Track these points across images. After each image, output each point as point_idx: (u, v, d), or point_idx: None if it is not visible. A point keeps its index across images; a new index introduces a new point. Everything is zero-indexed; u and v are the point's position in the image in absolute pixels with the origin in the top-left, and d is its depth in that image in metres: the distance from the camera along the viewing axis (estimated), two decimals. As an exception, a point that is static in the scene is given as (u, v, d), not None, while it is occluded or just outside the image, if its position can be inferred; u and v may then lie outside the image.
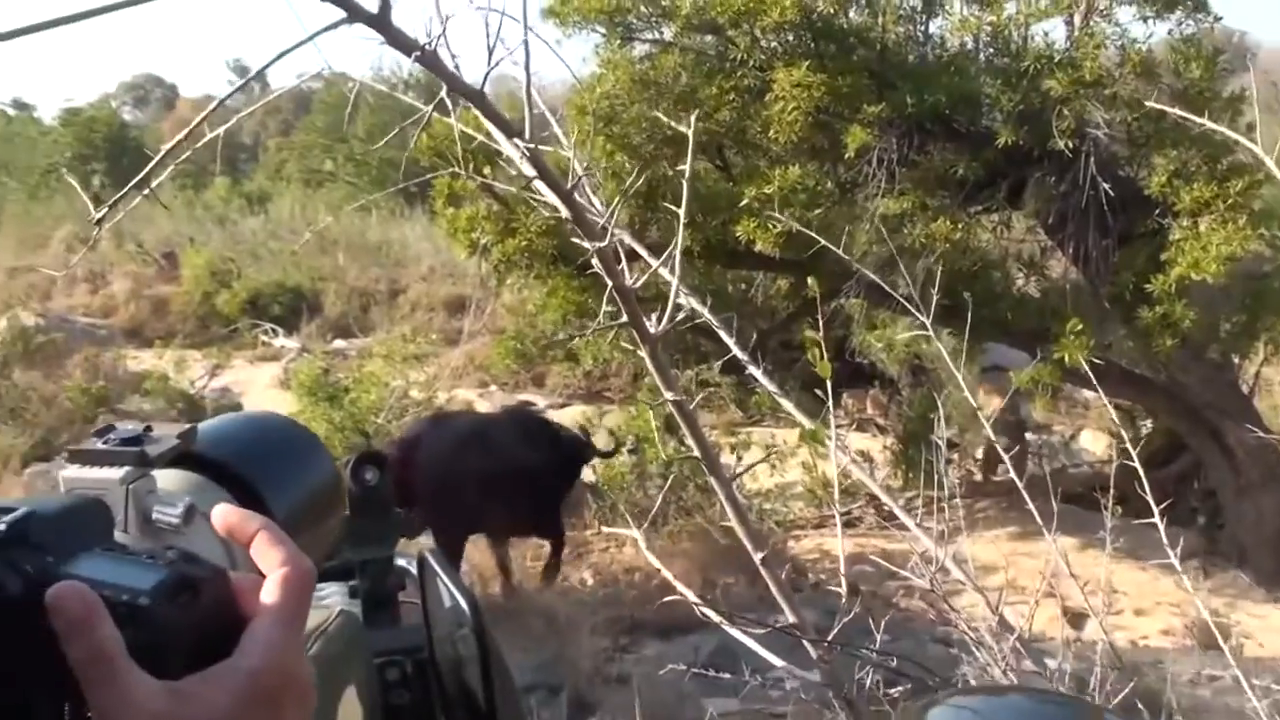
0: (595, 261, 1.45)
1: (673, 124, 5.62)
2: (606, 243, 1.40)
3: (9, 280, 19.41)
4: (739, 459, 8.41)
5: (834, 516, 8.23)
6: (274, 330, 16.91)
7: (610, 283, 1.45)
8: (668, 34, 7.47)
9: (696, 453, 1.71)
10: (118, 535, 0.71)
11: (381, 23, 0.81)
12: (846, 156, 6.88)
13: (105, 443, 0.75)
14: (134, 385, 12.08)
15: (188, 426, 0.79)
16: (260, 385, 14.06)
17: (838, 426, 8.55)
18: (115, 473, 0.73)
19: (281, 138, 36.67)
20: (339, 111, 25.40)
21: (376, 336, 15.50)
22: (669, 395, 1.61)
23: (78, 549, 0.65)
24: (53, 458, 8.79)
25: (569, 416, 10.63)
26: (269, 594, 0.65)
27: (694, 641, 5.99)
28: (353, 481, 1.19)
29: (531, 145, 1.29)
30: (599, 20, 7.38)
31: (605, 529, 7.86)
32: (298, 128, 33.82)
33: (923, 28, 7.42)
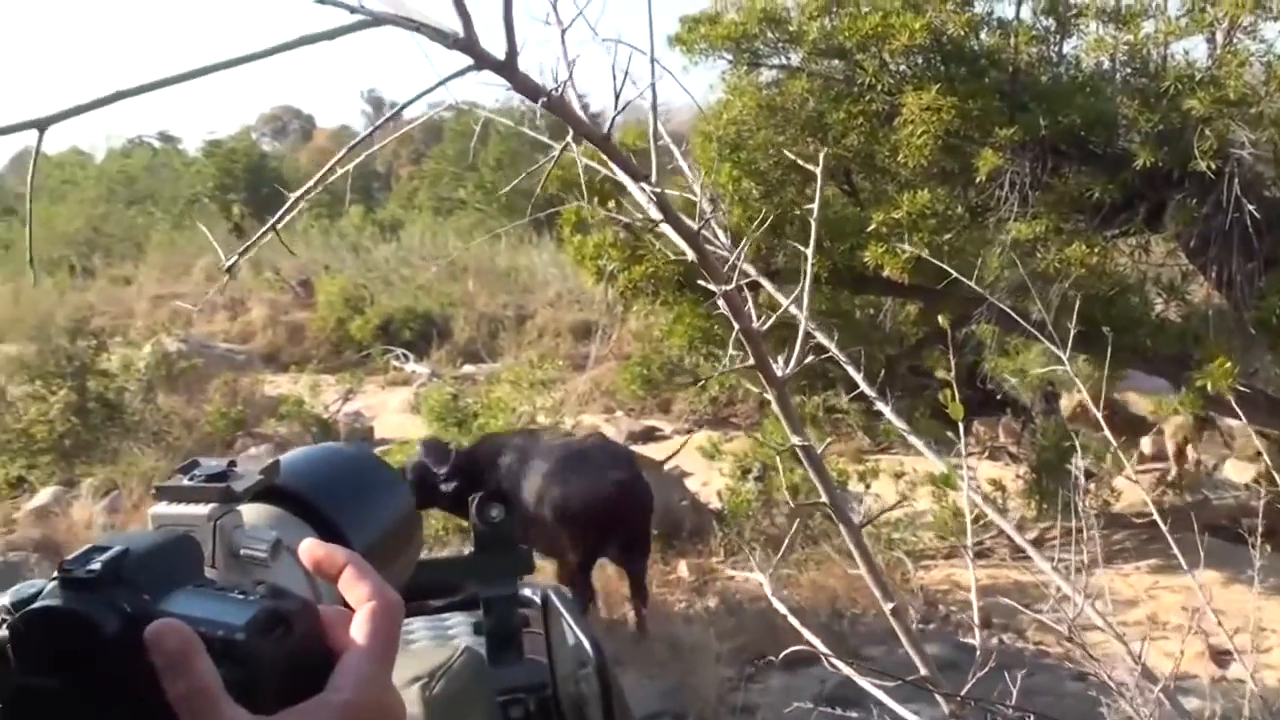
0: (721, 303, 1.42)
1: (800, 154, 5.59)
2: (733, 285, 1.38)
3: (154, 307, 20.12)
4: (867, 487, 8.30)
5: (965, 547, 8.09)
6: (405, 355, 17.21)
7: (736, 325, 1.43)
8: (795, 59, 7.42)
9: (824, 499, 1.67)
10: (206, 570, 0.72)
11: (508, 69, 0.80)
12: (977, 180, 6.75)
13: (191, 479, 0.77)
14: (270, 409, 12.38)
15: (270, 461, 0.81)
16: (391, 409, 14.31)
17: (968, 454, 8.40)
18: (202, 509, 0.74)
19: (413, 166, 37.42)
20: (469, 140, 25.81)
21: (504, 362, 15.68)
22: (796, 440, 1.58)
23: (171, 586, 0.66)
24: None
25: (694, 442, 10.62)
26: (359, 628, 0.66)
27: (819, 674, 5.91)
28: (478, 518, 1.19)
29: (659, 190, 1.27)
30: (725, 47, 7.37)
31: (733, 571, 7.81)
32: (429, 156, 34.47)
33: (1057, 48, 7.26)
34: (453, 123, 30.62)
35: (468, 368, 16.49)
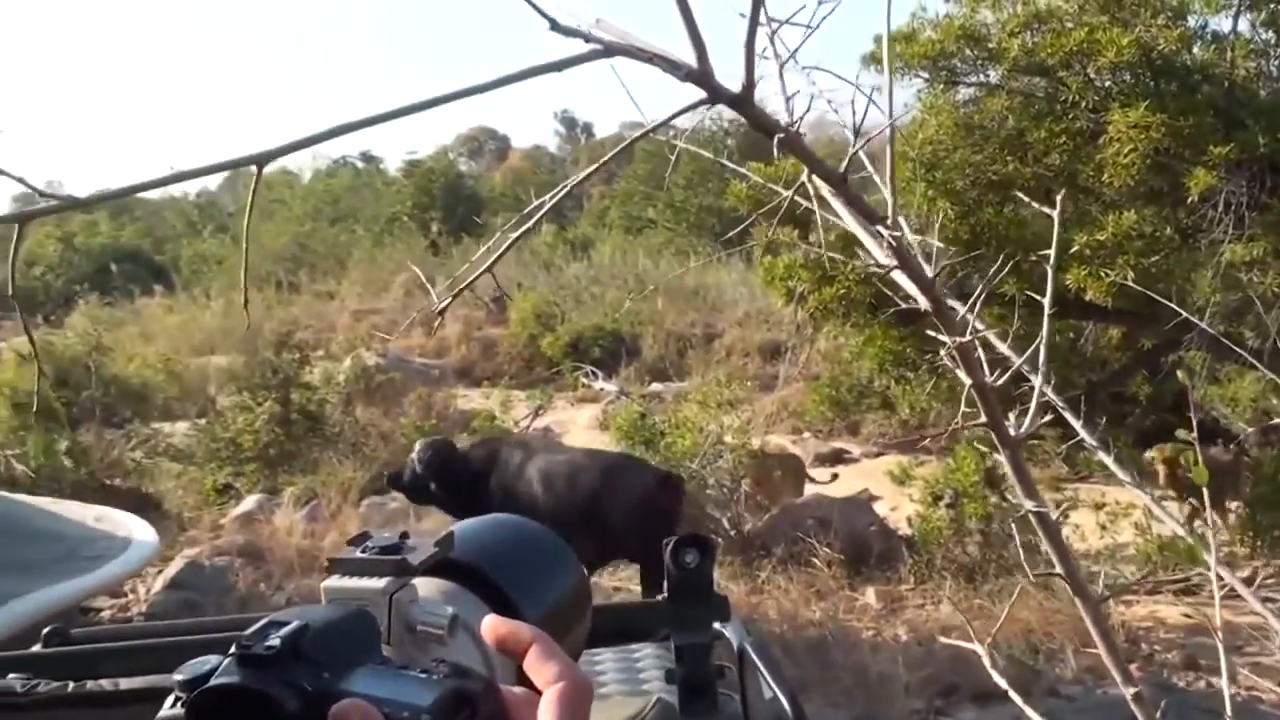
0: (952, 354, 1.36)
1: (999, 174, 5.43)
2: (968, 337, 1.32)
3: (354, 322, 20.83)
4: (1065, 518, 8.01)
5: (1168, 582, 7.73)
6: (594, 372, 17.41)
7: (969, 380, 1.37)
8: (994, 77, 7.25)
9: (1059, 568, 1.57)
10: (383, 647, 0.71)
11: (744, 103, 0.78)
12: (1189, 200, 6.46)
13: (364, 551, 0.75)
14: (463, 424, 12.66)
15: (445, 533, 0.79)
16: (580, 426, 14.47)
17: (1163, 493, 8.02)
18: (378, 583, 0.73)
19: (605, 186, 37.92)
20: (660, 160, 26.01)
21: (692, 380, 15.70)
22: (1031, 506, 1.50)
23: (351, 663, 0.65)
24: (385, 491, 9.24)
25: (883, 466, 10.43)
26: (546, 710, 0.64)
27: (1014, 711, 5.71)
28: (672, 563, 1.16)
29: (898, 235, 1.23)
30: (922, 66, 7.25)
31: (923, 599, 7.63)
32: (620, 176, 34.87)
33: (1276, 62, 6.92)
34: (644, 142, 30.90)
35: (655, 386, 16.58)
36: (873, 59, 7.27)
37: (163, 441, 11.74)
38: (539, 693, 0.65)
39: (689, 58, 0.82)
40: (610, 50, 0.73)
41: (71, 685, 1.22)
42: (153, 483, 10.83)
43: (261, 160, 0.54)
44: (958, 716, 6.12)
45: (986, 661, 1.65)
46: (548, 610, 0.82)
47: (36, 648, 1.46)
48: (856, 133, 1.17)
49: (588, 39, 0.70)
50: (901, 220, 1.71)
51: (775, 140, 0.88)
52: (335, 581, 0.74)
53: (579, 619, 0.89)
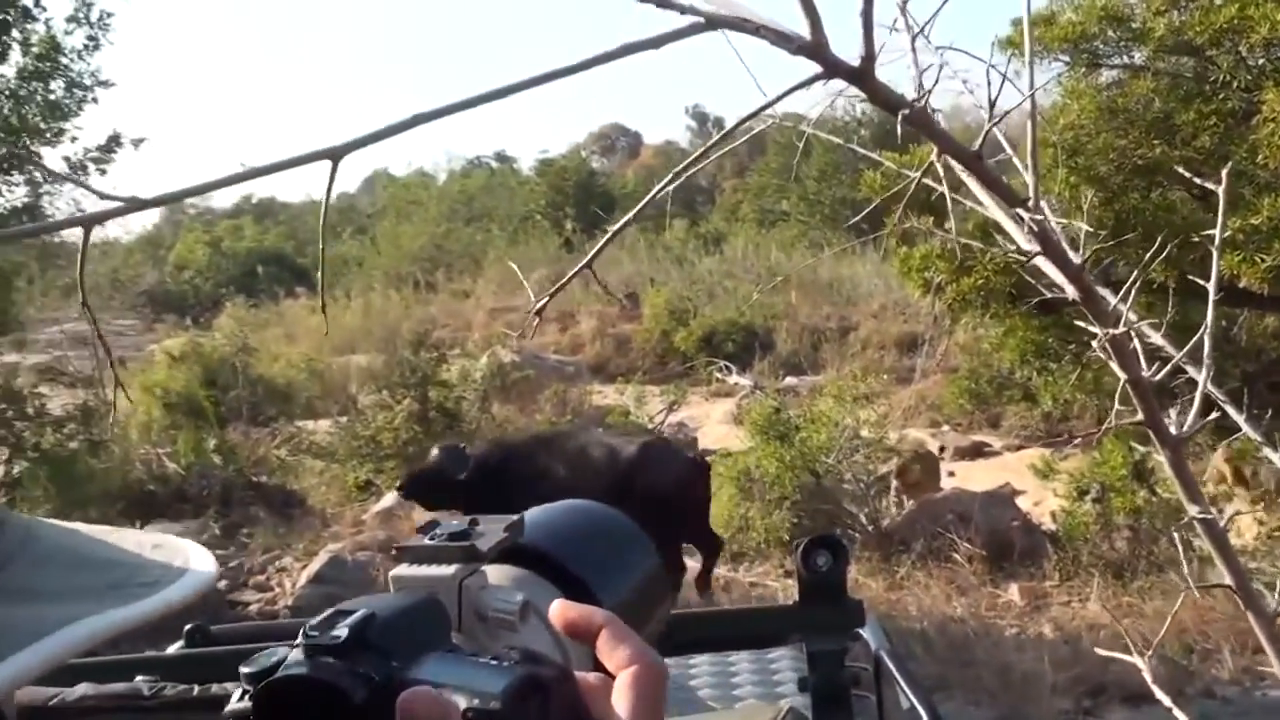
0: (1104, 347, 1.30)
1: (1145, 158, 5.25)
2: (1121, 329, 1.26)
3: (490, 320, 21.11)
4: (1220, 512, 7.72)
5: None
6: (728, 367, 17.35)
7: (1123, 376, 1.30)
8: (1138, 58, 7.00)
9: (1229, 580, 1.49)
10: (452, 634, 0.70)
11: (863, 77, 0.73)
12: (1351, 181, 6.17)
13: (432, 538, 0.74)
14: (598, 420, 12.72)
15: (515, 519, 0.77)
16: (714, 420, 14.44)
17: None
18: (447, 569, 0.71)
19: (737, 179, 37.80)
20: (793, 151, 25.82)
21: (827, 374, 15.55)
22: (1194, 511, 1.43)
23: (420, 651, 0.64)
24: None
25: (1025, 459, 10.19)
26: (621, 694, 0.63)
27: (1165, 713, 5.52)
28: (804, 566, 1.12)
29: (1040, 218, 1.17)
30: (1062, 48, 7.04)
31: (1069, 596, 7.43)
32: (752, 169, 34.73)
33: None
34: (776, 134, 30.79)
35: (790, 380, 16.45)
36: (1009, 43, 7.09)
37: (306, 439, 12.05)
38: (613, 678, 0.63)
39: (801, 30, 0.77)
40: (712, 22, 0.68)
41: (198, 689, 1.22)
42: (297, 479, 11.11)
43: (335, 154, 0.52)
44: (1107, 718, 5.94)
45: (1147, 675, 1.57)
46: (623, 597, 0.80)
47: (177, 646, 1.49)
48: (993, 105, 1.11)
49: (684, 10, 0.66)
50: (1044, 204, 1.65)
51: (900, 116, 0.82)
52: (404, 570, 0.73)
53: (657, 604, 0.87)
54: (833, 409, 9.47)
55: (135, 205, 0.56)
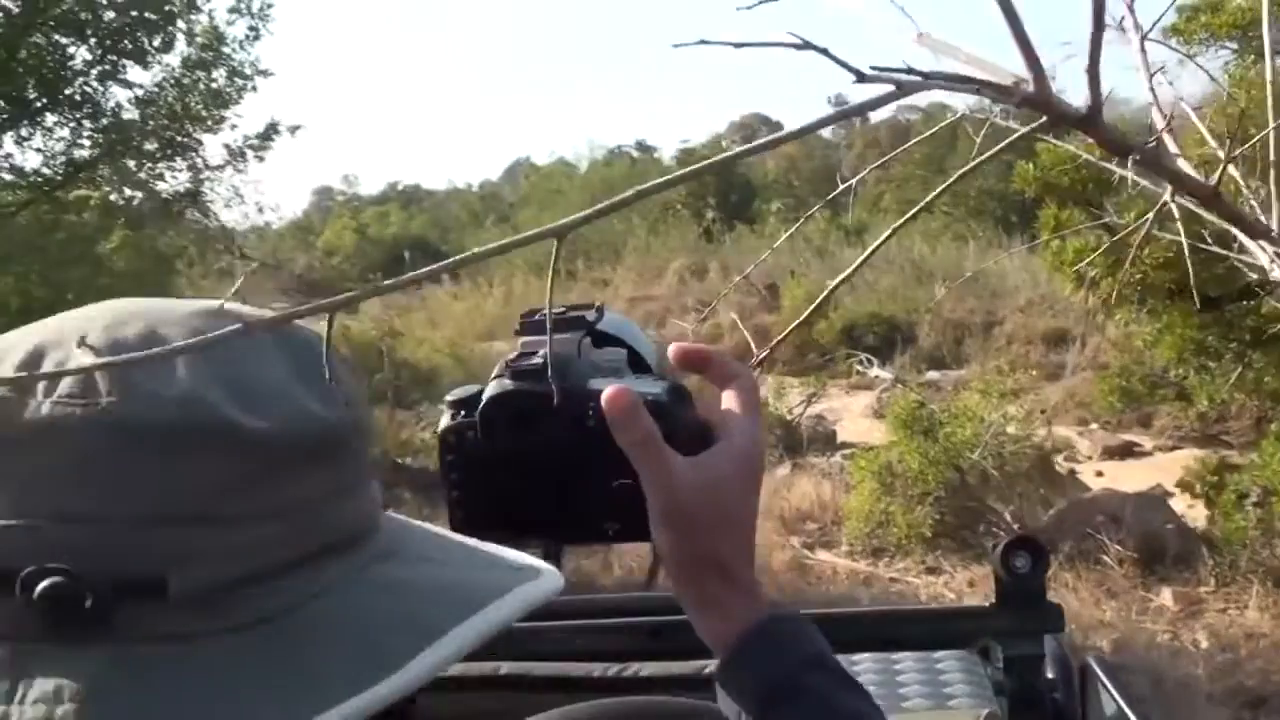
0: None
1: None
2: None
3: (629, 308, 21.21)
4: None
5: None
6: (868, 360, 17.16)
7: None
8: (1313, 44, 6.73)
9: None
10: None
11: (1091, 123, 0.70)
12: None
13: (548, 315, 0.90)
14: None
15: (596, 304, 0.96)
16: (854, 413, 14.30)
17: None
18: (568, 334, 0.89)
19: (880, 170, 37.34)
20: (937, 143, 25.39)
21: (970, 369, 15.27)
22: None
23: (586, 375, 0.86)
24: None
25: (1179, 460, 9.88)
26: (732, 396, 0.83)
27: (1332, 727, 5.31)
28: (1002, 568, 1.09)
29: None
30: (1229, 35, 6.80)
31: (1226, 604, 7.18)
32: (896, 160, 34.27)
33: None
34: (921, 125, 30.33)
35: (932, 374, 16.21)
36: (1174, 30, 6.87)
37: (450, 424, 12.25)
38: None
39: (1017, 74, 0.74)
40: (929, 82, 0.66)
41: (477, 668, 1.22)
42: (441, 463, 11.31)
43: (560, 232, 0.53)
44: (1266, 730, 5.74)
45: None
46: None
47: None
48: (1232, 140, 1.07)
49: (901, 85, 0.64)
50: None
51: (1130, 160, 0.79)
52: (530, 337, 0.90)
53: None
54: (978, 404, 9.30)
55: (373, 290, 0.58)
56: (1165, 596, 7.39)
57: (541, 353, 0.85)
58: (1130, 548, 7.69)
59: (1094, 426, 12.79)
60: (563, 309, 0.93)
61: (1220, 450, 10.38)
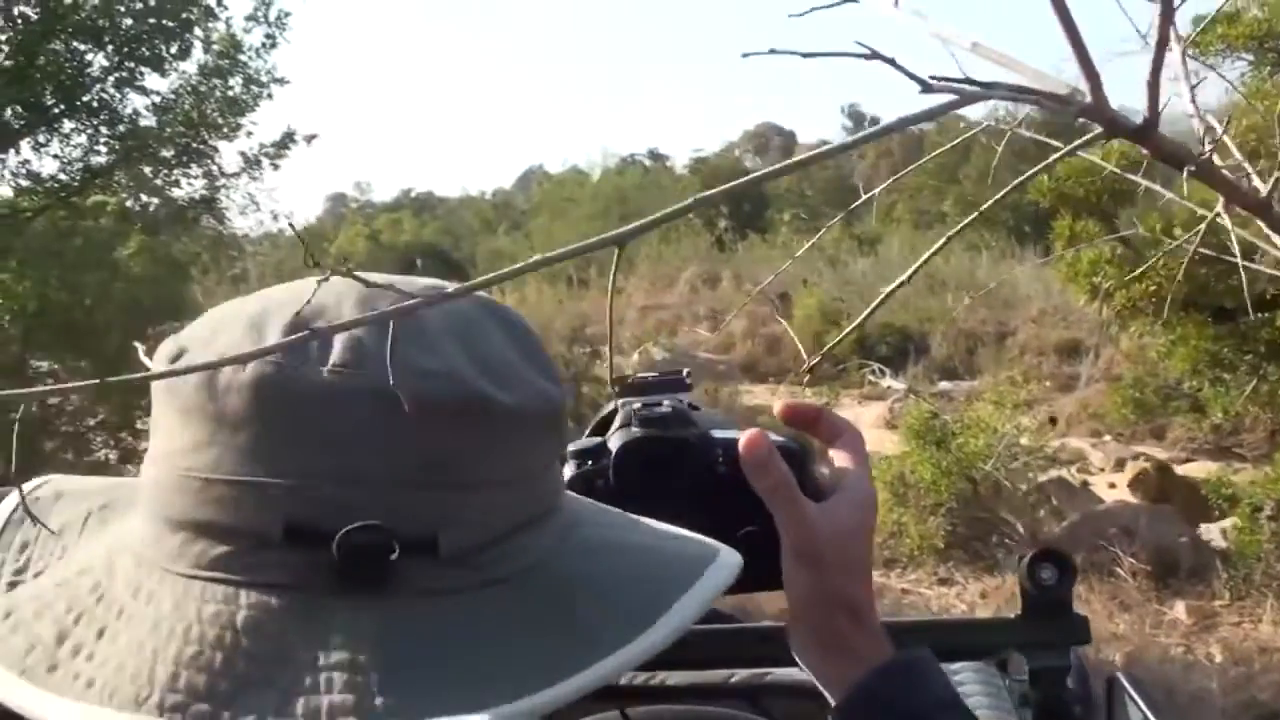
0: None
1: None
2: None
3: (641, 317, 21.22)
4: None
5: None
6: (881, 370, 17.14)
7: None
8: (1329, 56, 6.72)
9: None
10: None
11: (1147, 135, 0.71)
12: None
13: (647, 379, 0.97)
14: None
15: (687, 371, 1.01)
16: (866, 424, 14.26)
17: None
18: (677, 395, 0.95)
19: (892, 179, 37.31)
20: (950, 152, 25.40)
21: (983, 379, 15.25)
22: None
23: (709, 423, 0.93)
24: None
25: (1192, 473, 9.86)
26: (843, 452, 0.85)
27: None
28: (1028, 579, 1.09)
29: None
30: (1246, 47, 6.79)
31: (1240, 617, 7.16)
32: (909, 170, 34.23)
33: None
34: (934, 135, 30.33)
35: (944, 384, 16.19)
36: (1193, 44, 6.86)
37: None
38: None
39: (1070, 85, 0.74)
40: (990, 93, 0.66)
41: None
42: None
43: (620, 240, 0.54)
44: (1280, 745, 5.72)
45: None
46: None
47: None
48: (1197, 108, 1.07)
49: (962, 95, 0.64)
50: None
51: (1185, 171, 0.80)
52: (629, 398, 0.95)
53: None
54: (992, 415, 9.29)
55: (438, 297, 0.60)
56: (1179, 610, 7.37)
57: (668, 402, 0.91)
58: (1144, 560, 7.67)
59: (1107, 438, 12.77)
60: (655, 374, 0.97)
61: (1233, 463, 10.36)
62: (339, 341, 0.65)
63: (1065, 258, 7.92)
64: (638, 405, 0.92)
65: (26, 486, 0.76)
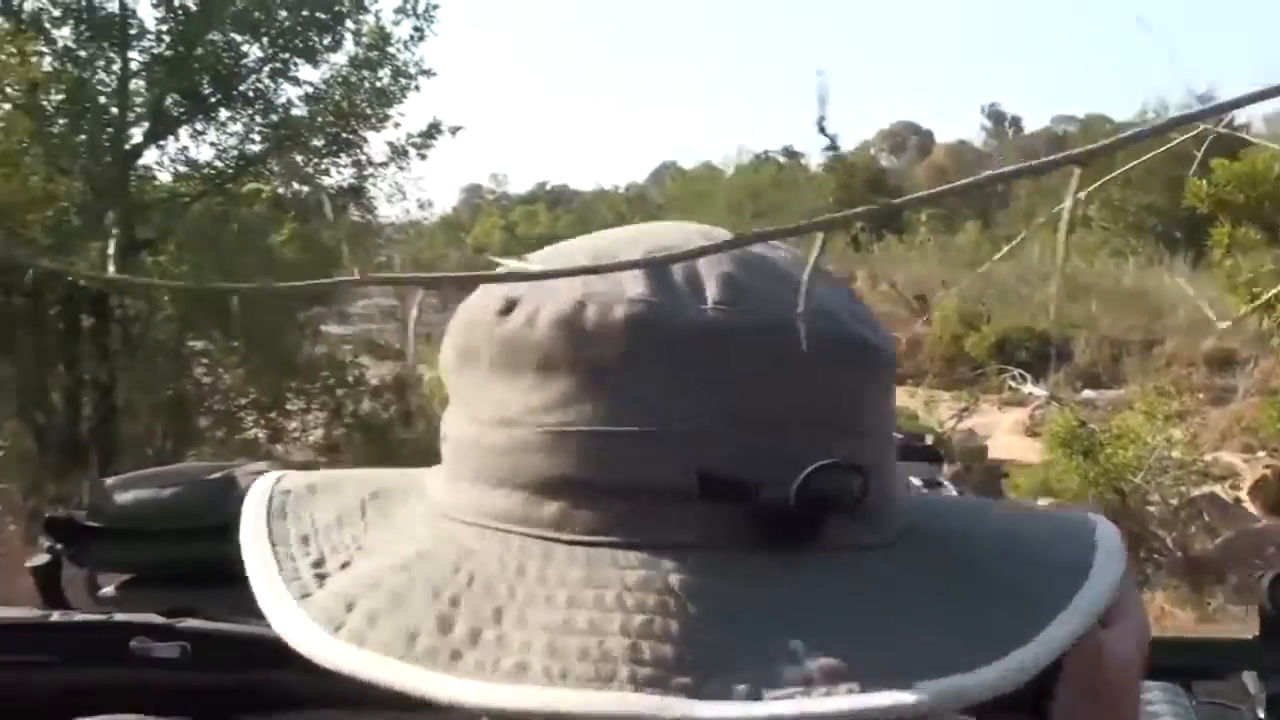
0: None
1: None
2: None
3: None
4: None
5: None
6: (1021, 375, 16.79)
7: None
8: None
9: None
10: None
11: None
12: None
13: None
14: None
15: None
16: (1004, 430, 14.01)
17: None
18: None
19: (1032, 181, 36.56)
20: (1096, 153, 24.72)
21: (1128, 389, 14.84)
22: None
23: None
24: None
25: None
26: (1119, 638, 0.73)
27: None
28: (1269, 601, 1.02)
29: None
30: None
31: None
32: (1051, 171, 33.50)
33: None
34: (1078, 138, 29.61)
35: (1088, 392, 15.80)
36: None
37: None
38: None
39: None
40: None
41: None
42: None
43: (824, 227, 0.50)
44: None
45: None
46: None
47: None
48: None
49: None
50: None
51: None
52: None
53: None
54: (1141, 426, 9.02)
55: (698, 252, 0.56)
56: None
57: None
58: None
59: (1261, 454, 12.31)
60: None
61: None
62: (711, 279, 0.60)
63: (1224, 266, 7.68)
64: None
65: (266, 479, 0.73)
